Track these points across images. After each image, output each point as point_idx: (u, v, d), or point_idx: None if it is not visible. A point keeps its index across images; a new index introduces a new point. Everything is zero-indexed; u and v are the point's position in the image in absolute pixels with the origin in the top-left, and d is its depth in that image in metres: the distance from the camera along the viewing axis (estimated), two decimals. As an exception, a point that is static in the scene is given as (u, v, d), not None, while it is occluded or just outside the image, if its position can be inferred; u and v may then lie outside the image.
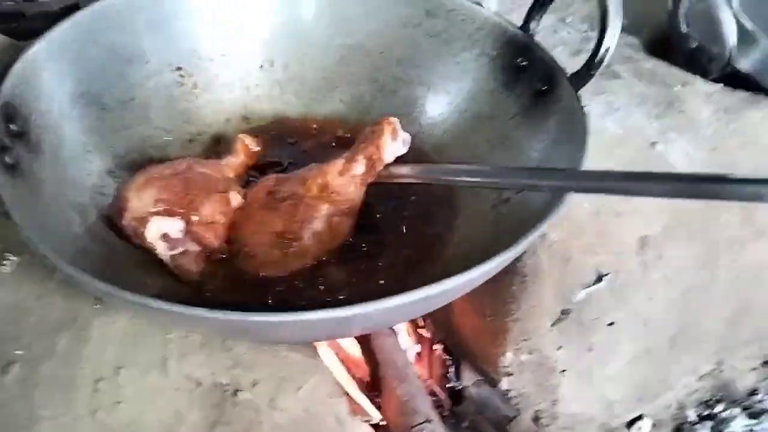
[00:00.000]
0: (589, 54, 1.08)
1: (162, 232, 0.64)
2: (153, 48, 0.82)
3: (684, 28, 1.03)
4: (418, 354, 0.90)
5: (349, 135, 0.88)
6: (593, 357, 0.77)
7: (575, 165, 0.63)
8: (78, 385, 0.57)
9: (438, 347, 0.91)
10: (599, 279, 0.73)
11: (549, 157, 0.70)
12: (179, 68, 0.85)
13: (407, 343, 0.89)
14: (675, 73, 0.99)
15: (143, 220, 0.64)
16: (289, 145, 0.89)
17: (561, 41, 1.09)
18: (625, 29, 1.16)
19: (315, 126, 0.92)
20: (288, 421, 0.61)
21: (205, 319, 0.46)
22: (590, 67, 0.74)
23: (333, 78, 0.93)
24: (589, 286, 0.73)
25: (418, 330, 0.92)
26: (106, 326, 0.61)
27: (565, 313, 0.74)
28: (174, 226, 0.65)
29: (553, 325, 0.75)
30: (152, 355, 0.60)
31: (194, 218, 0.66)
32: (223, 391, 0.60)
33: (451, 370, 0.89)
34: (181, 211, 0.66)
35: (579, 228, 0.74)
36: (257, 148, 0.80)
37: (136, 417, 0.57)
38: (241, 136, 0.80)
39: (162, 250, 0.64)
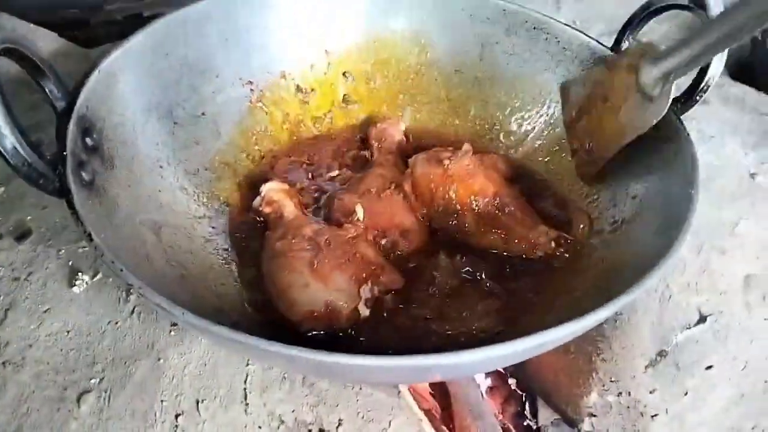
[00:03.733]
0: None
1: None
2: (224, 61, 0.79)
3: (773, 54, 0.99)
4: (490, 388, 0.85)
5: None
6: (687, 402, 0.71)
7: (685, 198, 0.59)
8: (157, 419, 0.53)
9: (511, 382, 0.86)
10: (702, 320, 0.68)
11: (653, 191, 0.66)
12: (250, 82, 0.82)
13: (479, 377, 0.84)
14: (764, 99, 0.94)
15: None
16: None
17: (638, 63, 1.04)
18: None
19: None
20: (377, 467, 0.57)
21: (291, 357, 0.42)
22: (694, 92, 0.69)
23: (406, 95, 0.90)
24: (691, 328, 0.68)
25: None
26: (184, 355, 0.58)
27: (661, 354, 0.69)
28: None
29: (647, 367, 0.69)
30: (233, 388, 0.57)
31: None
32: (307, 430, 0.56)
33: (526, 406, 0.84)
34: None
35: (680, 264, 0.69)
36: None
37: (218, 457, 0.54)
38: None
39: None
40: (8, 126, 0.49)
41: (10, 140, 0.49)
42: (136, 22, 1.12)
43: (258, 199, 0.71)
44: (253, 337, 0.42)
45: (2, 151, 0.49)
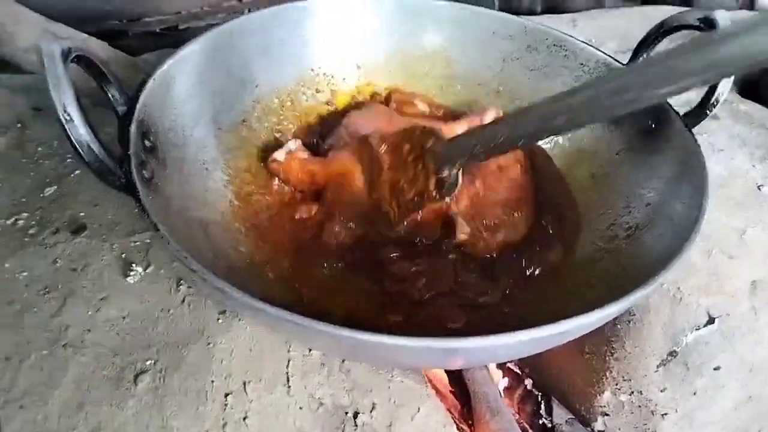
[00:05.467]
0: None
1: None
2: (263, 72, 0.85)
3: (780, 72, 1.04)
4: (507, 388, 0.89)
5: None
6: (696, 401, 0.75)
7: (695, 207, 0.63)
8: (208, 398, 0.58)
9: (527, 381, 0.90)
10: (711, 321, 0.72)
11: (665, 197, 0.70)
12: (287, 93, 0.88)
13: (497, 376, 0.88)
14: (772, 116, 0.99)
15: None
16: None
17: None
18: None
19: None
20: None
21: (328, 334, 0.47)
22: (705, 106, 0.74)
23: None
24: (700, 329, 0.72)
25: (507, 363, 0.91)
26: (232, 340, 0.62)
27: (672, 354, 0.73)
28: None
29: (659, 366, 0.74)
30: (276, 371, 0.61)
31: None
32: (344, 412, 0.60)
33: (541, 406, 0.88)
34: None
35: (691, 268, 0.74)
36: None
37: (263, 433, 0.58)
38: None
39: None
40: (84, 126, 0.54)
41: (86, 138, 0.54)
42: (171, 34, 1.19)
43: (283, 154, 0.75)
44: (307, 318, 0.47)
45: (78, 147, 0.54)
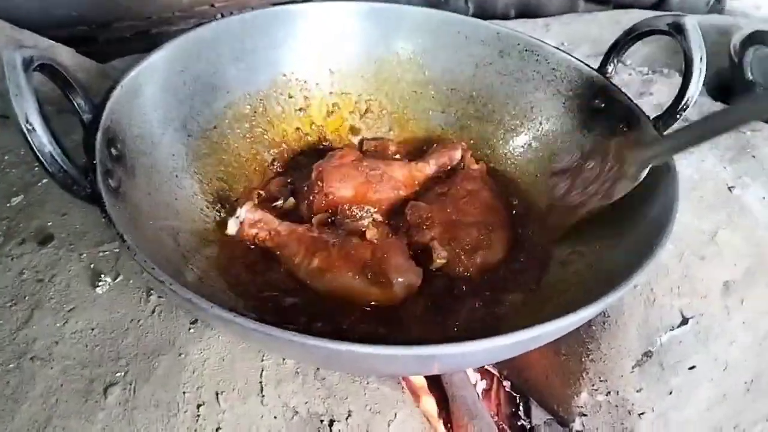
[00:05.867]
0: (651, 96, 1.12)
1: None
2: (234, 78, 0.84)
3: (749, 76, 1.05)
4: (485, 390, 0.89)
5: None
6: (672, 400, 0.75)
7: (666, 211, 0.64)
8: (180, 409, 0.57)
9: (506, 384, 0.90)
10: (685, 322, 0.73)
11: (638, 199, 0.70)
12: (258, 99, 0.87)
13: (475, 379, 0.88)
14: (741, 118, 1.00)
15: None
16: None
17: (623, 83, 1.10)
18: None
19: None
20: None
21: (301, 344, 0.46)
22: (675, 110, 0.74)
23: (405, 111, 0.95)
24: (674, 329, 0.73)
25: (485, 366, 0.91)
26: (203, 351, 0.61)
27: (647, 355, 0.74)
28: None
29: (634, 366, 0.74)
30: (250, 381, 0.60)
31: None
32: (319, 421, 0.59)
33: (520, 407, 0.88)
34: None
35: (663, 270, 0.74)
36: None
37: (236, 443, 0.57)
38: None
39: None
40: (46, 135, 0.53)
41: (48, 148, 0.53)
42: (143, 40, 1.17)
43: (234, 226, 0.72)
44: (278, 329, 0.46)
45: (41, 158, 0.53)
